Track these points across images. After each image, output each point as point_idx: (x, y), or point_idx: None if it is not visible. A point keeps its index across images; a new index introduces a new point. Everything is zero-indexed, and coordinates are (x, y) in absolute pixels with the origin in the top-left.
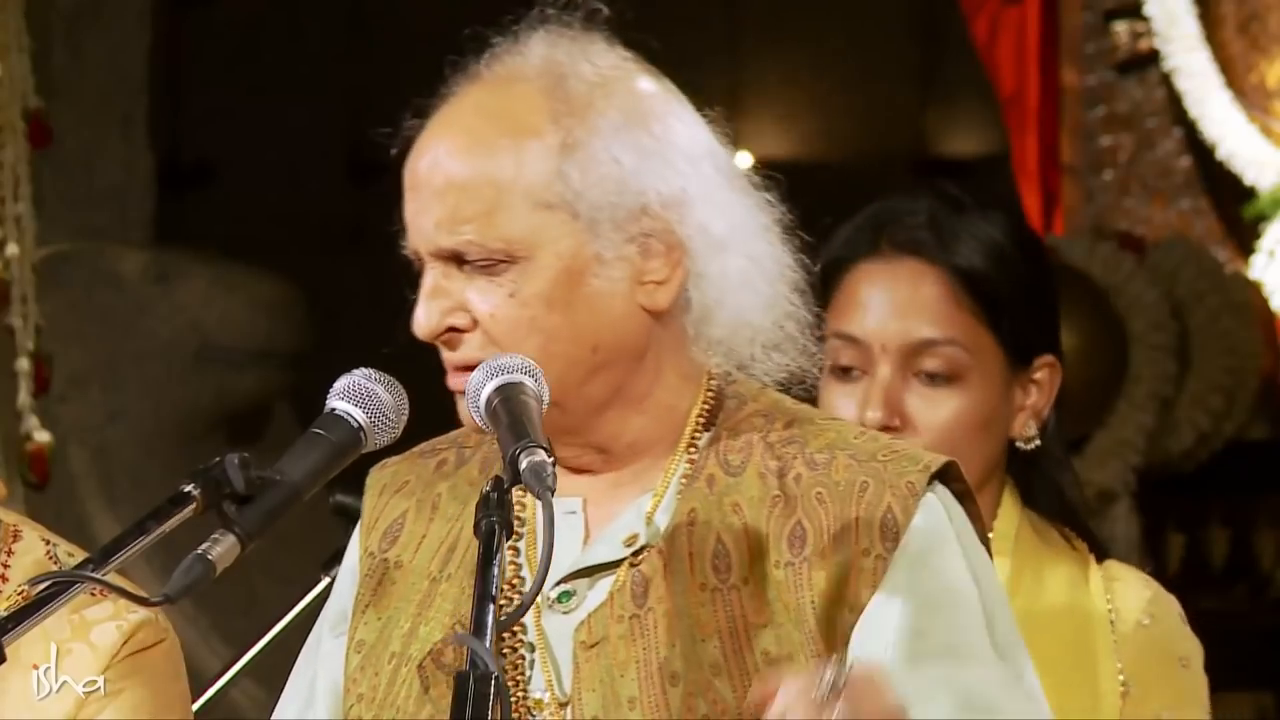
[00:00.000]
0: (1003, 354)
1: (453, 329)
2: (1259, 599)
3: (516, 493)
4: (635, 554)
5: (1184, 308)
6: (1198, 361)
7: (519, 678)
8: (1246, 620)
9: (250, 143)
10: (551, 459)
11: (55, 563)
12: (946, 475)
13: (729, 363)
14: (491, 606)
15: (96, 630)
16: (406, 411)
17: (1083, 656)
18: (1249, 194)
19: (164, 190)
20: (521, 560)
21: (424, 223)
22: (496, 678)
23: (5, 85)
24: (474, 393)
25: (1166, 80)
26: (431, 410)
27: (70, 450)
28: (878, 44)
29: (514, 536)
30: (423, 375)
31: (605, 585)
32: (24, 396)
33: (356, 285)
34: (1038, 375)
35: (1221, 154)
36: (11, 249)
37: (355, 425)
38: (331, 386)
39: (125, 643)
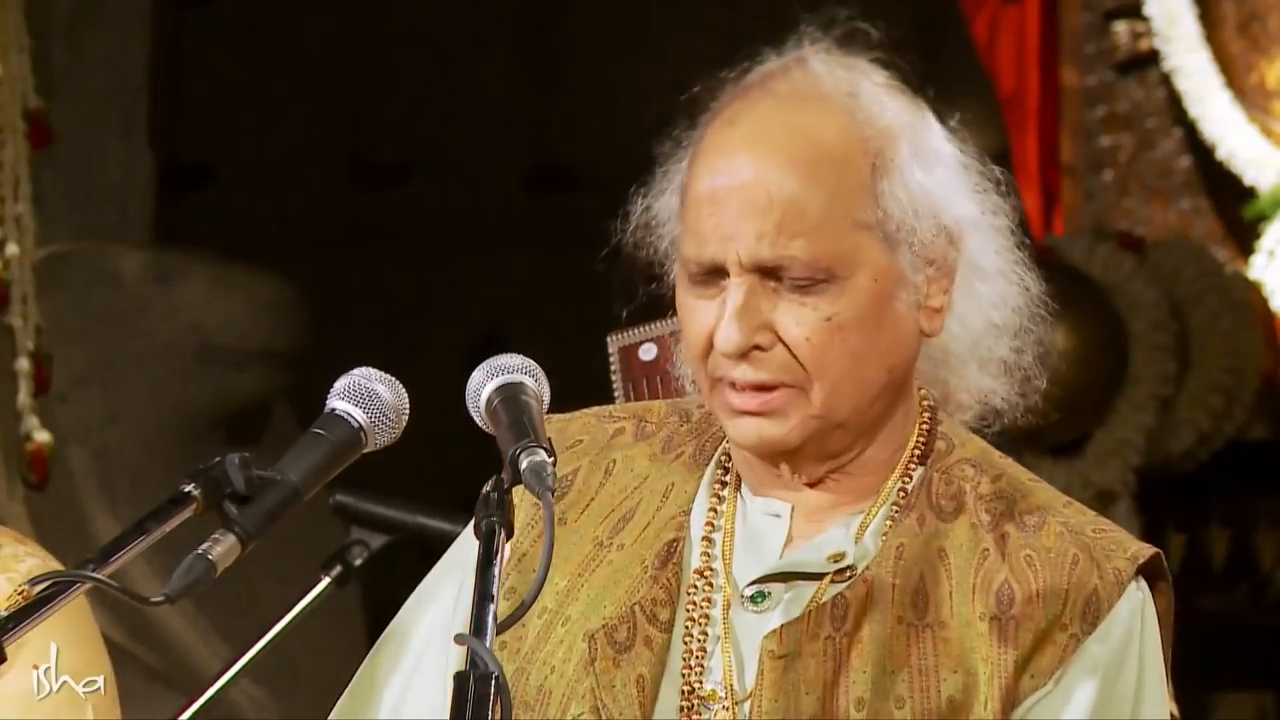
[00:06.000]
0: None
1: (756, 347)
2: (1259, 599)
3: (715, 489)
4: (839, 572)
5: (1184, 308)
6: (1198, 361)
7: (696, 667)
8: (1246, 620)
9: (250, 143)
10: (552, 459)
11: None
12: (1149, 566)
13: (933, 376)
14: (491, 606)
15: None
16: (407, 411)
17: None
18: (1249, 194)
19: (164, 190)
20: (715, 553)
21: (742, 234)
22: (497, 678)
23: (5, 85)
24: (474, 393)
25: (1166, 80)
26: (434, 409)
27: (70, 450)
28: (877, 44)
29: (707, 528)
30: (425, 374)
31: (801, 595)
32: (24, 396)
33: (356, 285)
34: None
35: (1221, 154)
36: (11, 249)
37: (355, 425)
38: (331, 386)
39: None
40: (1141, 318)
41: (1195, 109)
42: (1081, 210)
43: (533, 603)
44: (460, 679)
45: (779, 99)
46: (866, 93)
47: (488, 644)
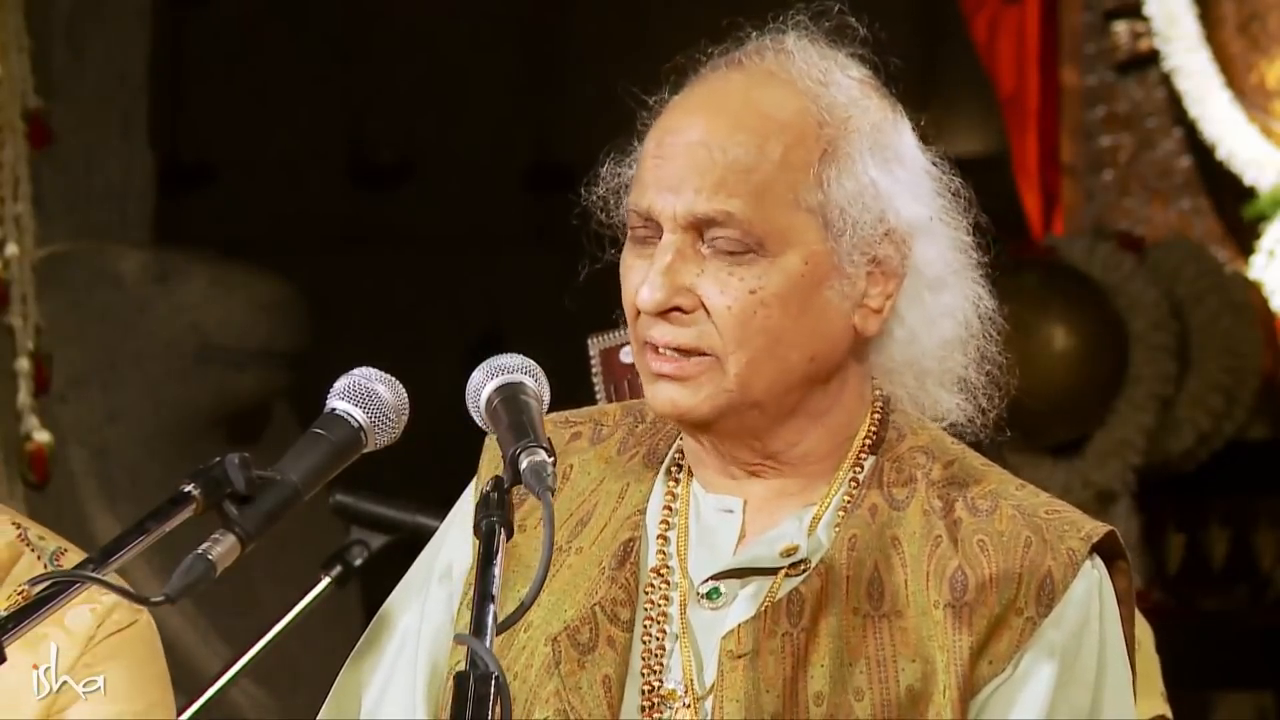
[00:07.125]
0: None
1: (676, 308)
2: (1259, 599)
3: (669, 487)
4: (792, 566)
5: (1184, 308)
6: (1198, 361)
7: (656, 666)
8: (1246, 620)
9: (250, 143)
10: (552, 459)
11: (26, 544)
12: (1104, 544)
13: (889, 387)
14: (492, 606)
15: (71, 615)
16: (407, 411)
17: None
18: (1249, 194)
19: (164, 190)
20: (671, 551)
21: (680, 188)
22: (497, 678)
23: (5, 85)
24: (474, 393)
25: (1166, 80)
26: (434, 409)
27: (70, 450)
28: (878, 44)
29: (662, 526)
30: (425, 374)
31: (755, 590)
32: (24, 396)
33: (356, 285)
34: None
35: (1221, 154)
36: (11, 249)
37: (355, 425)
38: (331, 386)
39: (100, 625)
40: (1141, 318)
41: (1195, 109)
42: (1081, 210)
43: (532, 603)
44: (460, 679)
45: (746, 74)
46: (836, 83)
47: (488, 644)
